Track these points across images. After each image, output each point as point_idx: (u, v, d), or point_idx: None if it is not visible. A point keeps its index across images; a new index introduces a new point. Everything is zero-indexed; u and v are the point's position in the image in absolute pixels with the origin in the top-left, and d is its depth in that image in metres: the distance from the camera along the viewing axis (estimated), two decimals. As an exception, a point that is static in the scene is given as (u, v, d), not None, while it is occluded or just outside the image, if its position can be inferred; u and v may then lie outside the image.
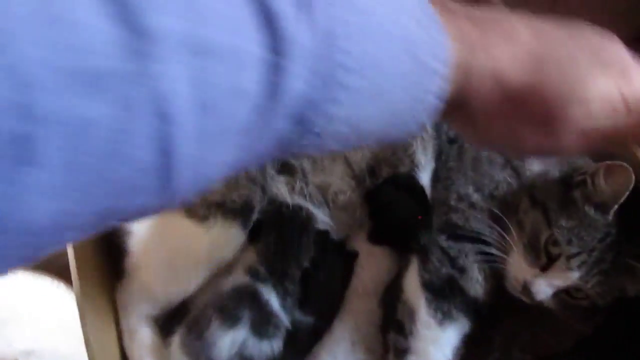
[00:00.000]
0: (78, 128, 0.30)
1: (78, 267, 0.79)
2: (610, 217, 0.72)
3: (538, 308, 0.80)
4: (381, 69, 0.42)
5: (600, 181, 0.74)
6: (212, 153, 0.36)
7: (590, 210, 0.73)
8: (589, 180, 0.74)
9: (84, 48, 0.30)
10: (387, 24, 0.42)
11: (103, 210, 0.34)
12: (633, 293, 0.75)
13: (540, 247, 0.75)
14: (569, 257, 0.73)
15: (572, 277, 0.73)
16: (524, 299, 0.77)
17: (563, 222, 0.74)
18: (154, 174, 0.34)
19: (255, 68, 0.36)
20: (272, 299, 0.86)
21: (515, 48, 0.47)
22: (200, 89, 0.34)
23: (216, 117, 0.35)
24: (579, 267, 0.72)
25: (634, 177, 0.70)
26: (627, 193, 0.71)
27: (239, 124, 0.36)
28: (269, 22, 0.36)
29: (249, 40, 0.35)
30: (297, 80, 0.37)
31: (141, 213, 0.37)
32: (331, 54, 0.39)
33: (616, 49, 0.51)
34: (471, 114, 0.49)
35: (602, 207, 0.73)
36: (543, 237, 0.75)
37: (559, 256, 0.74)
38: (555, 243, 0.74)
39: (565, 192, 0.76)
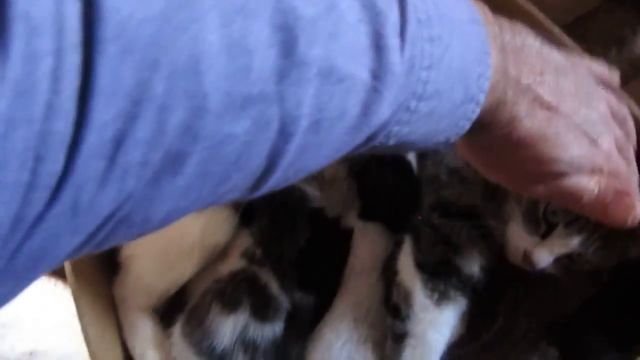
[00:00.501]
0: (220, 144, 0.33)
1: (72, 264, 0.79)
2: None
3: (540, 273, 0.79)
4: (442, 96, 0.45)
5: None
6: (302, 161, 0.40)
7: None
8: None
9: (251, 75, 0.32)
10: (457, 59, 0.45)
11: (202, 205, 0.37)
12: (635, 255, 0.74)
13: (539, 216, 0.73)
14: (568, 224, 0.71)
15: (572, 243, 0.71)
16: (526, 267, 0.75)
17: None
18: (254, 178, 0.38)
19: (360, 92, 0.39)
20: (271, 281, 0.85)
21: (535, 100, 0.51)
22: (318, 109, 0.37)
23: (319, 134, 0.38)
24: (578, 233, 0.71)
25: None
26: None
27: (333, 139, 0.40)
28: (380, 51, 0.39)
29: (362, 67, 0.38)
30: (386, 105, 0.41)
31: (219, 204, 0.42)
32: (411, 83, 0.42)
33: (597, 115, 0.57)
34: (476, 139, 0.53)
35: None
36: (541, 206, 0.73)
37: (557, 224, 0.72)
38: (554, 211, 0.72)
39: None
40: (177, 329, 0.83)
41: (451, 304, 0.77)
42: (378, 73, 0.39)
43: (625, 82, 1.16)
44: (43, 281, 1.05)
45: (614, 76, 0.69)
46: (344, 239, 0.89)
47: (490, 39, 0.49)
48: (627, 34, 1.17)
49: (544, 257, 0.73)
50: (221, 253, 0.86)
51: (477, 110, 0.48)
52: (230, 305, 0.81)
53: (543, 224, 0.73)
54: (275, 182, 0.39)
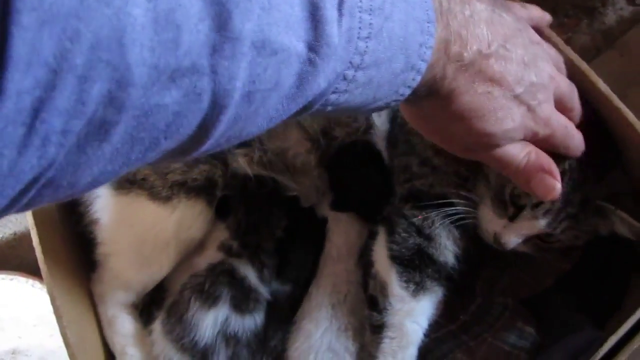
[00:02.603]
0: (149, 113, 0.34)
1: (47, 263, 0.78)
2: (567, 166, 0.71)
3: (515, 252, 0.80)
4: (380, 66, 0.46)
5: None
6: (235, 131, 0.41)
7: None
8: None
9: (180, 49, 0.33)
10: (398, 28, 0.46)
11: (133, 168, 0.38)
12: (606, 232, 0.75)
13: (505, 199, 0.74)
14: (534, 207, 0.72)
15: (539, 225, 0.72)
16: (497, 247, 0.76)
17: None
18: (187, 146, 0.39)
19: (295, 64, 0.40)
20: (249, 273, 0.85)
21: (477, 74, 0.52)
22: (251, 81, 0.37)
23: (252, 105, 0.39)
24: (544, 215, 0.71)
25: None
26: None
27: (266, 109, 0.41)
28: (317, 24, 0.40)
29: (297, 40, 0.39)
30: (322, 77, 0.41)
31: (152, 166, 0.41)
32: (349, 54, 0.43)
33: (537, 90, 0.58)
34: (418, 106, 0.55)
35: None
36: (507, 189, 0.73)
37: (524, 206, 0.73)
38: (520, 194, 0.73)
39: None
40: (157, 326, 0.83)
41: (427, 294, 0.78)
42: (314, 45, 0.40)
43: (597, 53, 1.18)
44: (20, 281, 1.05)
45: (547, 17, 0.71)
46: (320, 227, 0.89)
47: (436, 9, 0.49)
48: (597, 6, 1.17)
49: (512, 239, 0.75)
50: (197, 247, 0.86)
51: (418, 79, 0.49)
52: (209, 300, 0.81)
53: (510, 207, 0.74)
54: (207, 149, 0.40)
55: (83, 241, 0.86)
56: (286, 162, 0.88)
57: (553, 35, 0.75)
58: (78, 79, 0.30)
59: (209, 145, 0.40)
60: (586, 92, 0.75)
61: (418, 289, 0.77)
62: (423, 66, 0.48)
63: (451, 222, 0.78)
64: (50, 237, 0.81)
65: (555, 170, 0.61)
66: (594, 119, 0.74)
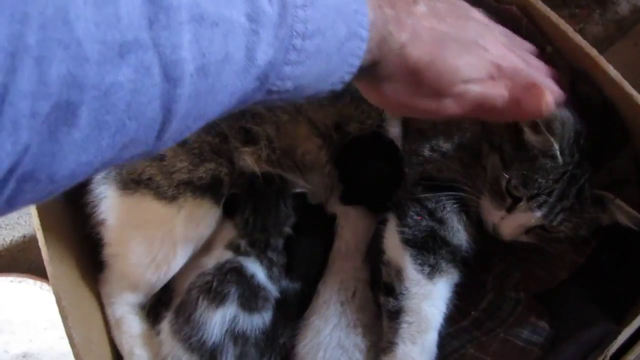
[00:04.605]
0: (107, 92, 0.35)
1: (53, 264, 0.78)
2: (561, 160, 0.70)
3: (527, 245, 0.79)
4: (324, 34, 0.48)
5: (528, 135, 0.72)
6: (198, 108, 0.42)
7: (539, 155, 0.71)
8: (524, 130, 0.72)
9: (121, 22, 0.35)
10: None
11: (108, 160, 0.39)
12: (608, 222, 0.74)
13: (502, 191, 0.74)
14: (529, 199, 0.72)
15: (535, 217, 0.72)
16: (498, 238, 0.77)
17: (517, 166, 0.73)
18: (155, 128, 0.40)
19: (241, 35, 0.42)
20: (258, 271, 0.84)
21: (416, 25, 0.56)
22: (201, 54, 0.39)
23: (208, 79, 0.41)
24: (539, 207, 0.72)
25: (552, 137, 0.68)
26: (558, 145, 0.69)
27: (223, 84, 0.43)
28: None
29: (237, 12, 0.42)
30: (267, 45, 0.44)
31: (131, 160, 0.43)
32: (289, 22, 0.45)
33: (476, 24, 0.63)
34: (376, 77, 0.57)
35: (546, 153, 0.71)
36: (503, 181, 0.74)
37: (521, 198, 0.73)
38: (516, 186, 0.73)
39: (519, 135, 0.73)
40: (165, 326, 0.82)
41: (444, 276, 0.77)
42: (253, 15, 0.43)
43: (610, 43, 1.16)
44: (29, 284, 1.05)
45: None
46: (329, 223, 0.88)
47: None
48: (609, -5, 1.15)
49: (510, 230, 0.75)
50: (205, 246, 0.85)
51: (363, 46, 0.52)
52: (217, 299, 0.80)
53: (508, 198, 0.74)
54: (177, 130, 0.42)
55: (90, 242, 0.86)
56: (295, 160, 0.87)
57: (561, 23, 0.74)
58: (35, 60, 0.31)
59: (177, 127, 0.41)
60: (597, 80, 0.73)
61: (433, 271, 0.76)
62: (364, 33, 0.51)
63: (460, 208, 0.78)
64: (56, 239, 0.81)
65: (539, 84, 0.61)
66: (597, 108, 0.73)
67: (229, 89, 0.44)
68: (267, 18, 0.44)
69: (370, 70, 0.55)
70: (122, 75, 0.35)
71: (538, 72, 0.66)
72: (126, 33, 0.35)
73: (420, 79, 0.57)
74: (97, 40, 0.33)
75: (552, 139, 0.68)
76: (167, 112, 0.39)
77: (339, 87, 0.54)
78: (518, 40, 0.70)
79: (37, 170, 0.34)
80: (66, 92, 0.33)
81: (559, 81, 0.68)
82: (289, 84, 0.49)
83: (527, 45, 0.71)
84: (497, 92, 0.61)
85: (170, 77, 0.38)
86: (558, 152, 0.69)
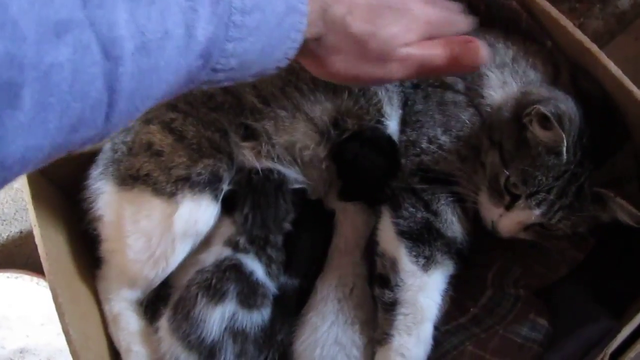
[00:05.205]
0: (48, 73, 0.35)
1: (50, 260, 0.77)
2: (564, 158, 0.69)
3: (526, 242, 0.78)
4: (264, 10, 0.50)
5: (537, 130, 0.71)
6: (144, 87, 0.43)
7: (542, 151, 0.71)
8: (530, 127, 0.72)
9: (55, 1, 0.35)
10: None
11: (59, 144, 0.39)
12: (608, 219, 0.73)
13: (500, 188, 0.74)
14: (528, 197, 0.72)
15: (534, 214, 0.72)
16: (496, 235, 0.77)
17: (517, 163, 0.72)
18: (102, 108, 0.40)
19: (178, 13, 0.43)
20: (257, 268, 0.84)
21: None
22: (140, 32, 0.40)
23: (151, 57, 0.42)
24: (538, 205, 0.71)
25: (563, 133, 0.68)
26: (565, 142, 0.68)
27: (166, 61, 0.43)
28: None
29: None
30: (205, 22, 0.45)
31: (84, 145, 0.43)
32: None
33: None
34: (321, 51, 0.60)
35: (552, 150, 0.70)
36: (501, 178, 0.73)
37: (520, 196, 0.73)
38: (515, 184, 0.73)
39: (520, 132, 0.73)
40: (163, 323, 0.82)
41: (439, 268, 0.77)
42: None
43: (611, 38, 1.15)
44: (25, 280, 1.05)
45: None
46: (328, 219, 0.88)
47: None
48: (610, -11, 1.14)
49: (508, 227, 0.75)
50: (203, 243, 0.85)
51: (304, 20, 0.54)
52: (216, 296, 0.80)
53: (507, 196, 0.74)
54: (125, 111, 0.42)
55: (87, 238, 0.86)
56: (294, 155, 0.87)
57: (562, 17, 0.73)
58: None
59: (124, 108, 0.42)
60: (597, 75, 0.73)
61: (429, 262, 0.76)
62: (303, 7, 0.54)
63: (455, 201, 0.78)
64: (53, 235, 0.81)
65: (475, 39, 0.67)
66: (597, 105, 0.72)
67: (172, 67, 0.44)
68: None
69: (316, 45, 0.59)
70: (62, 55, 0.36)
71: (457, 15, 0.72)
72: (60, 11, 0.35)
73: (365, 48, 0.61)
74: (32, 19, 0.34)
75: (563, 135, 0.68)
76: (112, 92, 0.40)
77: (284, 63, 0.56)
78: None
79: None
80: (6, 72, 0.33)
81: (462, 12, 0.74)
82: (233, 62, 0.50)
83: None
84: (437, 51, 0.65)
85: (110, 55, 0.38)
86: (564, 149, 0.68)
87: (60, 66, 0.36)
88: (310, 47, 0.58)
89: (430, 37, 0.66)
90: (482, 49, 0.66)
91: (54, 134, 0.38)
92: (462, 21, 0.72)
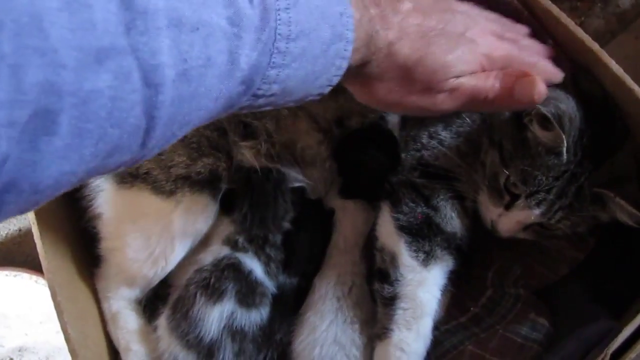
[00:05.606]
0: (86, 100, 0.35)
1: (48, 258, 0.77)
2: (564, 158, 0.69)
3: (526, 242, 0.78)
4: (309, 36, 0.49)
5: (537, 130, 0.71)
6: (183, 114, 0.42)
7: (542, 151, 0.70)
8: (530, 127, 0.71)
9: (97, 28, 0.35)
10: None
11: (93, 168, 0.39)
12: (607, 219, 0.73)
13: (500, 188, 0.74)
14: (528, 196, 0.71)
15: (534, 214, 0.72)
16: (496, 234, 0.77)
17: (517, 163, 0.72)
18: (139, 135, 0.40)
19: (222, 39, 0.42)
20: (255, 267, 0.84)
21: (402, 22, 0.57)
22: (181, 59, 0.39)
23: (191, 84, 0.41)
24: (538, 205, 0.71)
25: (563, 133, 0.68)
26: (565, 142, 0.68)
27: (206, 88, 0.42)
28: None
29: (217, 16, 0.42)
30: (250, 48, 0.44)
31: (117, 169, 0.43)
32: (272, 25, 0.45)
33: (463, 17, 0.63)
34: (366, 77, 0.58)
35: (552, 150, 0.70)
36: (501, 178, 0.73)
37: (520, 195, 0.72)
38: (514, 183, 0.72)
39: (520, 132, 0.73)
40: (162, 322, 0.82)
41: (438, 263, 0.77)
42: (234, 19, 0.43)
43: (612, 37, 1.15)
44: (24, 278, 1.04)
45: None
46: (328, 218, 0.88)
47: None
48: (611, -12, 1.14)
49: (507, 227, 0.75)
50: (202, 242, 0.85)
51: (350, 47, 0.52)
52: (215, 295, 0.80)
53: (506, 196, 0.74)
54: (162, 137, 0.41)
55: (86, 236, 0.85)
56: (295, 154, 0.86)
57: (562, 16, 0.73)
58: (11, 68, 0.31)
59: (161, 134, 0.41)
60: (598, 74, 0.73)
61: (428, 257, 0.76)
62: (350, 35, 0.52)
63: (454, 197, 0.78)
64: (51, 233, 0.80)
65: (531, 73, 0.62)
66: (598, 105, 0.72)
67: (212, 94, 0.43)
68: (249, 21, 0.44)
69: (360, 71, 0.56)
70: (101, 82, 0.35)
71: (532, 55, 0.66)
72: (102, 39, 0.35)
73: (411, 77, 0.58)
74: (73, 46, 0.33)
75: (563, 135, 0.67)
76: (150, 119, 0.39)
77: (326, 90, 0.54)
78: (509, 24, 0.69)
79: (18, 180, 0.34)
80: (44, 99, 0.33)
81: (556, 59, 0.68)
82: (275, 88, 0.49)
83: (519, 28, 0.71)
84: (489, 84, 0.61)
85: (150, 83, 0.38)
86: (564, 149, 0.68)
87: (99, 93, 0.35)
88: (355, 73, 0.56)
89: (485, 70, 0.62)
90: (539, 85, 0.61)
91: (89, 159, 0.37)
92: (531, 56, 0.66)
